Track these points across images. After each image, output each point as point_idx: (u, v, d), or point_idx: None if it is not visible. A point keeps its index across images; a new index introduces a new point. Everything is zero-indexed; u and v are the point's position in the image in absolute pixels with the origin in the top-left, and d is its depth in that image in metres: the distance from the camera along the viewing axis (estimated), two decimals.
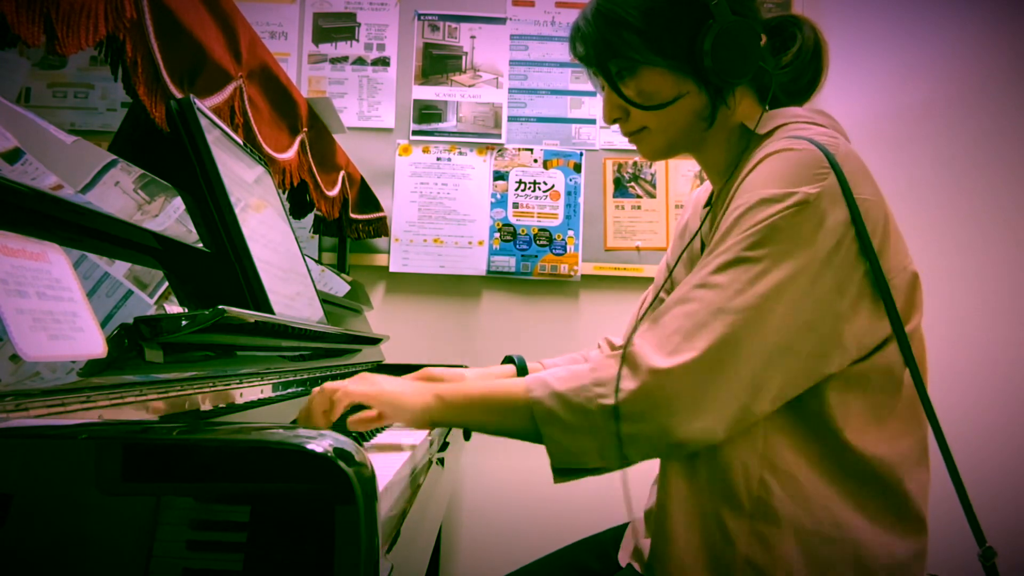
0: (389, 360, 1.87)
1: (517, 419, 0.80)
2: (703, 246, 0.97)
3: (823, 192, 0.76)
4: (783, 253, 0.75)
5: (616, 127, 0.95)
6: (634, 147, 0.95)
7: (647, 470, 0.91)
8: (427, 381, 1.13)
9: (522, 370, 1.17)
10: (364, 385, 0.84)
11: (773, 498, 0.80)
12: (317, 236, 2.12)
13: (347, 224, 1.95)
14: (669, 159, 0.96)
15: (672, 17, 0.85)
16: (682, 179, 2.18)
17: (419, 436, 1.05)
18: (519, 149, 2.19)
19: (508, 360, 1.19)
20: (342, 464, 0.46)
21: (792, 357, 0.77)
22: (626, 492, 0.89)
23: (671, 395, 0.74)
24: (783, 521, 0.80)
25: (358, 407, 0.84)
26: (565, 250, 2.17)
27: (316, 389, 0.85)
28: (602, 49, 0.88)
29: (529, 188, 2.18)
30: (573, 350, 2.20)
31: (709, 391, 0.75)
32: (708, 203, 0.99)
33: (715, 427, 0.76)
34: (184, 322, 0.66)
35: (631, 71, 0.88)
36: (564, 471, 0.80)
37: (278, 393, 0.99)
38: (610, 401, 0.75)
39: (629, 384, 0.75)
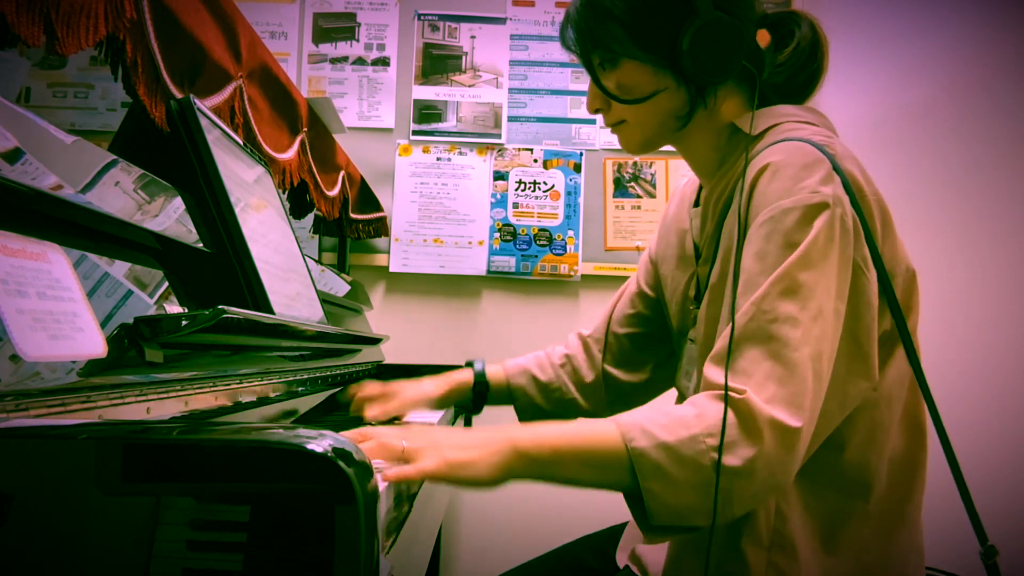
0: (389, 360, 1.87)
1: (612, 472, 0.70)
2: (696, 248, 0.95)
3: (835, 194, 0.75)
4: (830, 266, 0.74)
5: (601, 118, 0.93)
6: None
7: None
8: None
9: (481, 376, 1.12)
10: (429, 455, 0.67)
11: (789, 529, 0.79)
12: (317, 236, 2.12)
13: (347, 224, 1.95)
14: (649, 152, 0.94)
15: (656, 11, 0.82)
16: (682, 179, 2.18)
17: None
18: (519, 149, 2.19)
19: (468, 364, 1.13)
20: (342, 464, 0.46)
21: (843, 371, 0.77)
22: None
23: (793, 453, 0.70)
24: (798, 552, 0.79)
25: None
26: (565, 250, 2.17)
27: (374, 436, 0.69)
28: (586, 39, 0.87)
29: (529, 188, 2.18)
30: None
31: (809, 435, 0.72)
32: (696, 202, 0.97)
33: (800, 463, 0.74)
34: (184, 322, 0.66)
35: (613, 63, 0.86)
36: (661, 529, 0.71)
37: (278, 393, 0.99)
38: (732, 461, 0.68)
39: (747, 443, 0.68)
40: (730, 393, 0.70)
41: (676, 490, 0.69)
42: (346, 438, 0.73)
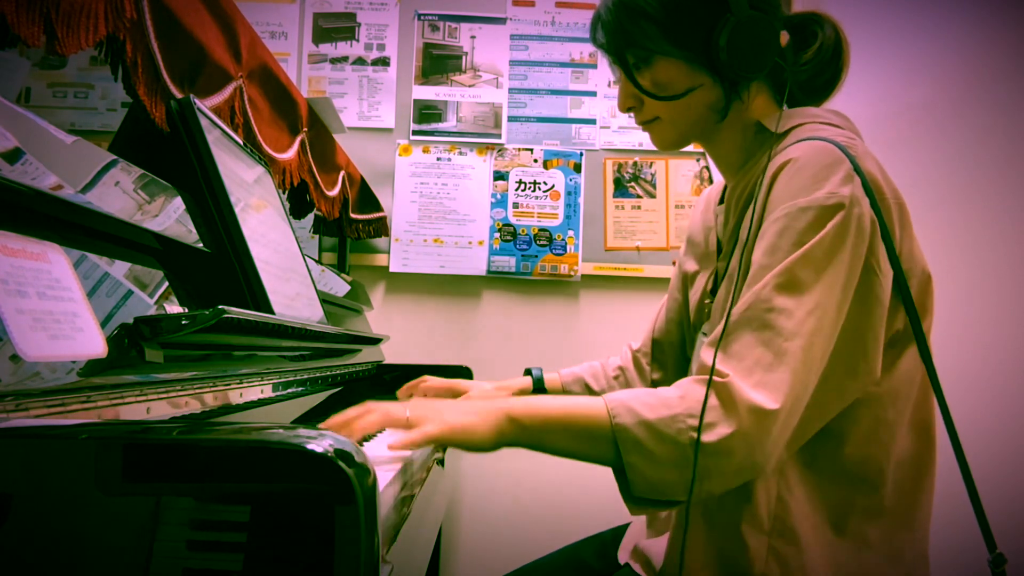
0: (389, 360, 1.87)
1: (597, 444, 0.75)
2: (719, 244, 0.97)
3: (854, 194, 0.76)
4: (836, 266, 0.75)
5: (625, 120, 0.95)
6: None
7: None
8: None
9: (539, 382, 1.17)
10: (432, 420, 0.73)
11: (791, 516, 0.80)
12: (317, 236, 2.12)
13: (347, 224, 1.95)
14: (681, 149, 0.96)
15: (691, 9, 0.85)
16: (682, 179, 2.18)
17: None
18: (519, 149, 2.19)
19: (527, 372, 1.19)
20: (342, 464, 0.46)
21: (837, 370, 0.78)
22: None
23: (770, 435, 0.72)
24: (800, 540, 0.80)
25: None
26: (565, 250, 2.16)
27: (378, 408, 0.75)
28: (620, 38, 0.88)
29: (529, 188, 2.18)
30: (573, 350, 2.20)
31: (793, 421, 0.75)
32: (722, 200, 0.99)
33: (788, 449, 0.76)
34: (184, 322, 0.66)
35: (647, 61, 0.88)
36: (641, 501, 0.76)
37: (278, 393, 0.99)
38: (709, 438, 0.71)
39: (726, 422, 0.72)
40: (714, 377, 0.74)
41: (655, 465, 0.73)
42: (351, 411, 0.75)
